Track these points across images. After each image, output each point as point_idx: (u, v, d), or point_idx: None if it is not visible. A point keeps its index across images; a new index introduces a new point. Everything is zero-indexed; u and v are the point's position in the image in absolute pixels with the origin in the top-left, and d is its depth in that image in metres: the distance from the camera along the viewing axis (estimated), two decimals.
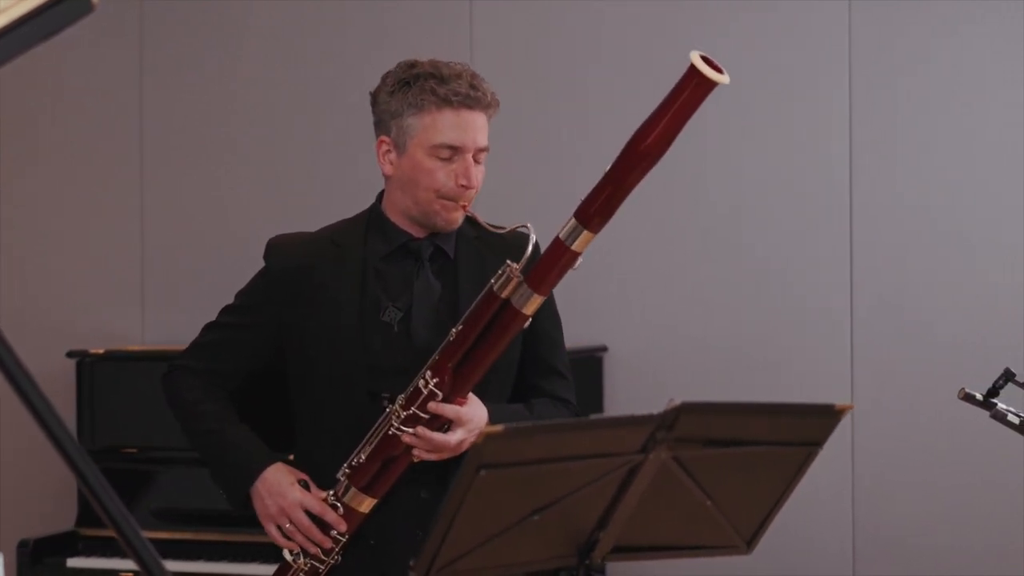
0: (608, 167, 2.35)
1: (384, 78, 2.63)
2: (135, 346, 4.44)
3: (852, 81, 4.02)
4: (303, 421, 2.67)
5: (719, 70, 2.26)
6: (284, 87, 4.44)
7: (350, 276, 2.60)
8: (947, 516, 3.94)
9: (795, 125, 4.06)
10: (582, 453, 1.89)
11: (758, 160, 4.09)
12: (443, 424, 2.50)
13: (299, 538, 2.55)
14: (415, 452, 2.49)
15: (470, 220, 2.61)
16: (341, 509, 2.54)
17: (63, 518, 4.12)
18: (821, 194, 4.04)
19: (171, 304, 4.43)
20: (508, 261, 2.45)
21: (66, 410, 4.24)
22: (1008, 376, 2.62)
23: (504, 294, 2.45)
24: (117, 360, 4.11)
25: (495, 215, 2.62)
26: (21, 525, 4.28)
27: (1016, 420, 2.54)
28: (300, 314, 2.60)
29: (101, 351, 4.14)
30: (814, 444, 2.03)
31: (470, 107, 2.57)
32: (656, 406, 4.12)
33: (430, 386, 2.47)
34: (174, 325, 4.38)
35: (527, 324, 2.48)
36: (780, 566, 4.00)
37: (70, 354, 4.13)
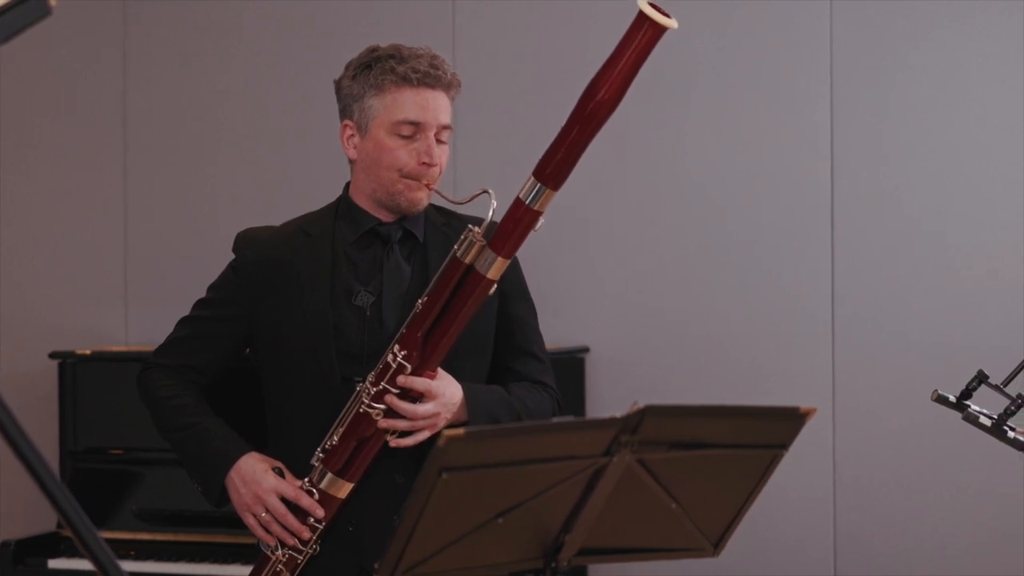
0: (564, 123, 2.34)
1: (347, 66, 2.65)
2: (119, 347, 4.44)
3: (833, 83, 4.03)
4: (277, 412, 2.66)
5: (667, 15, 2.27)
6: (267, 86, 4.44)
7: (321, 263, 2.60)
8: (927, 517, 3.95)
9: (776, 126, 4.06)
10: (546, 456, 1.88)
11: (740, 162, 4.09)
12: (415, 398, 2.49)
13: (276, 528, 2.54)
14: (390, 439, 2.49)
15: (437, 208, 2.62)
16: (317, 495, 2.53)
17: (45, 520, 4.12)
18: (803, 196, 4.04)
19: (155, 304, 4.43)
20: (470, 226, 2.46)
21: (49, 411, 4.24)
22: (981, 378, 2.61)
23: (468, 259, 2.45)
24: (100, 361, 4.11)
25: (481, 212, 2.58)
26: (2, 526, 4.28)
27: (988, 422, 2.54)
28: (271, 304, 2.61)
29: (86, 352, 4.14)
30: (779, 447, 2.03)
31: (430, 85, 2.57)
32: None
33: (398, 359, 2.46)
34: (158, 325, 4.35)
35: (493, 290, 2.48)
36: (762, 567, 4.01)
37: (53, 355, 4.13)
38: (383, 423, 2.48)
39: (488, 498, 1.90)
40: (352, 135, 2.62)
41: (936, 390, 2.62)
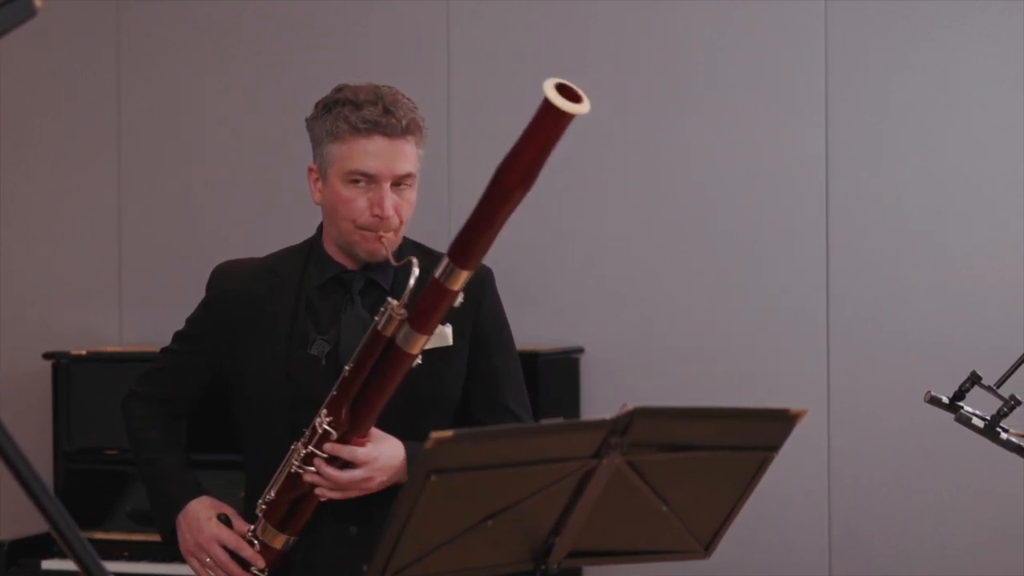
0: (475, 204, 2.25)
1: (316, 104, 2.57)
2: (112, 347, 4.43)
3: (828, 82, 4.02)
4: (245, 448, 2.65)
5: (578, 99, 2.15)
6: (262, 88, 4.43)
7: (284, 307, 2.56)
8: (923, 517, 3.94)
9: (771, 125, 4.06)
10: (535, 458, 1.88)
11: (735, 162, 4.08)
12: (345, 462, 2.43)
13: (219, 574, 2.53)
14: (318, 491, 2.44)
15: (416, 245, 2.55)
16: (258, 545, 2.50)
17: (38, 520, 4.08)
18: (798, 197, 4.04)
19: (148, 305, 4.43)
20: (389, 299, 2.35)
21: (43, 412, 4.23)
22: (974, 379, 2.61)
23: (388, 333, 2.35)
24: (94, 361, 4.10)
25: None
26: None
27: (980, 424, 2.54)
28: (239, 344, 2.57)
29: (82, 352, 4.13)
30: (770, 448, 2.02)
31: (384, 134, 2.47)
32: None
33: (324, 425, 2.41)
34: (151, 326, 4.37)
35: (417, 363, 2.38)
36: (756, 567, 4.00)
37: (47, 355, 4.12)
38: (309, 478, 2.43)
39: (477, 500, 1.89)
40: (317, 179, 2.55)
41: (929, 391, 2.62)
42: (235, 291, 2.59)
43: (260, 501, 2.49)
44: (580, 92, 2.15)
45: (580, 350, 4.15)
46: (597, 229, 4.17)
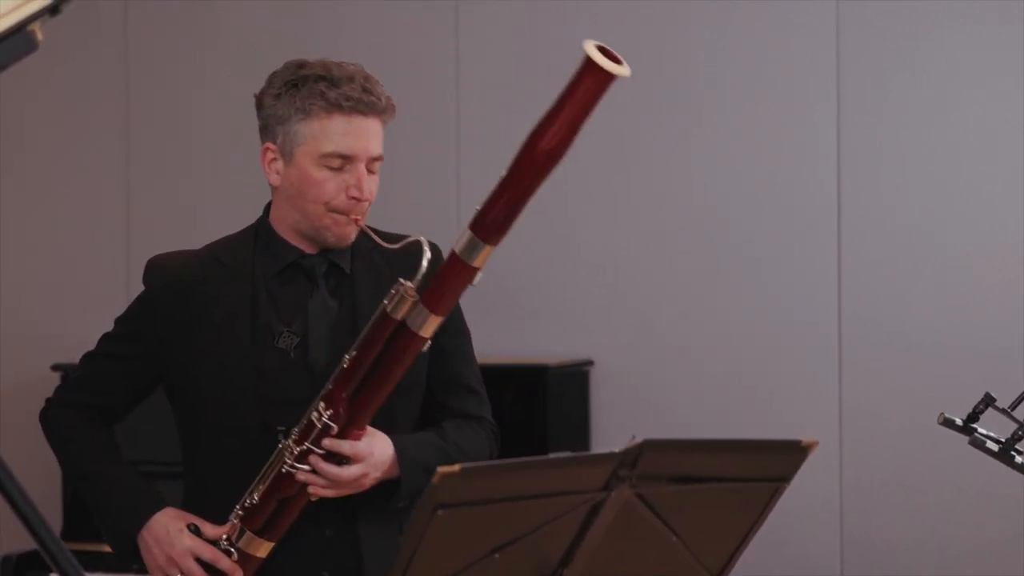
0: (504, 172, 2.15)
1: (270, 79, 2.43)
2: None
3: (840, 90, 3.99)
4: (192, 459, 2.46)
5: (618, 61, 2.06)
6: None
7: (239, 298, 2.39)
8: (934, 520, 3.91)
9: (782, 134, 4.03)
10: (543, 492, 1.86)
11: (745, 171, 4.06)
12: (340, 459, 2.30)
13: None
14: (311, 489, 2.30)
15: (369, 229, 2.40)
16: (236, 555, 2.34)
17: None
18: (808, 206, 4.01)
19: None
20: (401, 280, 2.24)
21: None
22: (988, 401, 2.58)
23: (399, 315, 2.24)
24: None
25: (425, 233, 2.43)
26: (4, 540, 4.25)
27: (995, 447, 2.51)
28: (185, 341, 2.40)
29: None
30: (781, 480, 2.00)
31: (363, 112, 2.35)
32: (643, 420, 4.12)
33: (324, 419, 2.27)
34: None
35: (427, 346, 2.28)
36: (768, 570, 3.97)
37: (55, 367, 4.11)
38: (303, 477, 2.30)
39: (484, 534, 1.87)
40: (275, 159, 2.39)
41: (942, 413, 2.59)
42: (178, 284, 2.42)
43: (237, 507, 2.33)
44: (619, 56, 2.07)
45: (589, 363, 4.12)
46: (605, 240, 4.14)
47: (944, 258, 3.93)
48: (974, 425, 2.59)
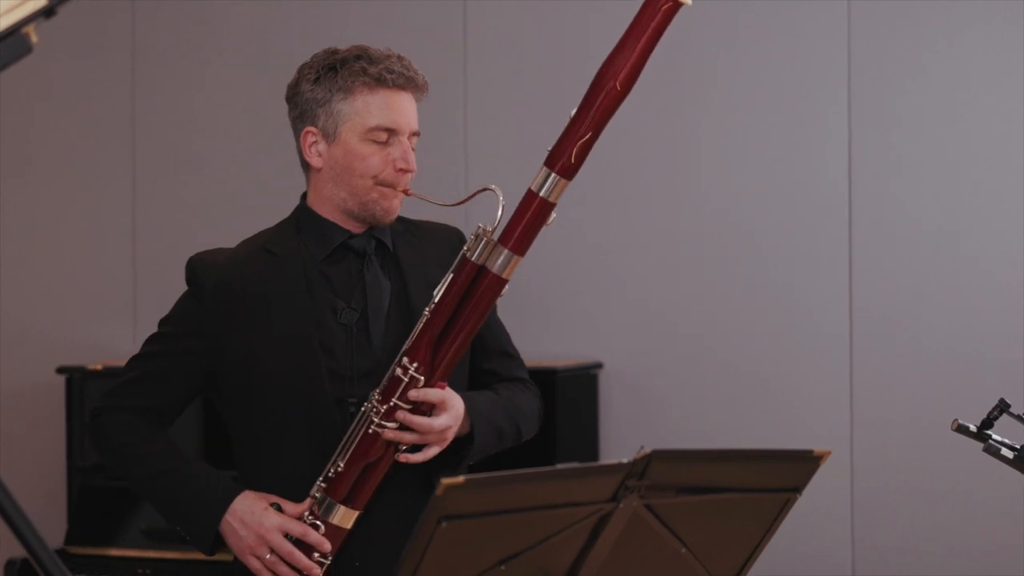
0: (576, 107, 2.25)
1: (302, 69, 2.51)
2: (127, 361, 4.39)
3: (851, 94, 3.96)
4: (255, 447, 2.48)
5: None
6: (278, 94, 4.37)
7: (294, 283, 2.44)
8: (947, 526, 3.88)
9: (793, 138, 4.00)
10: (549, 503, 1.82)
11: (756, 175, 4.02)
12: (426, 412, 2.36)
13: (283, 569, 2.37)
14: (399, 455, 2.36)
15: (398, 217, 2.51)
16: (323, 528, 2.37)
17: (51, 537, 4.07)
18: (821, 210, 3.98)
19: None
20: (479, 224, 2.33)
21: (56, 427, 4.20)
22: (1003, 407, 2.54)
23: (480, 260, 2.33)
24: (108, 376, 4.06)
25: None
26: (9, 544, 4.22)
27: (1010, 455, 2.47)
28: (242, 332, 2.43)
29: (97, 367, 4.09)
30: (792, 490, 1.96)
31: (403, 87, 2.44)
32: (652, 423, 4.09)
33: (411, 372, 2.32)
34: None
35: (505, 290, 2.36)
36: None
37: (60, 369, 4.09)
38: (389, 435, 2.34)
39: (490, 545, 1.84)
40: (316, 142, 2.47)
41: (956, 420, 2.55)
42: (229, 277, 2.45)
43: (319, 480, 2.37)
44: None
45: (599, 365, 4.09)
46: (614, 243, 4.11)
47: (956, 263, 3.89)
48: (988, 432, 2.55)
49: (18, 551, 3.99)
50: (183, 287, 4.32)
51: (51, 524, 4.17)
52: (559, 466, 1.81)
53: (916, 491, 3.90)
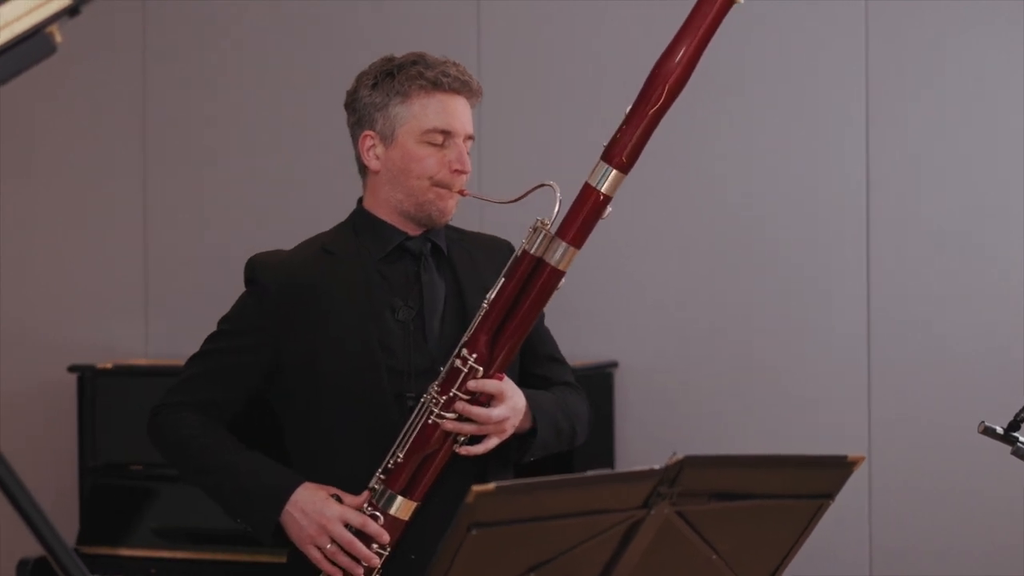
0: (632, 103, 2.32)
1: (360, 77, 2.58)
2: (138, 360, 4.38)
3: (869, 93, 3.93)
4: (312, 442, 2.53)
5: None
6: (290, 93, 4.36)
7: (353, 279, 2.51)
8: (965, 528, 3.86)
9: (811, 139, 3.98)
10: (580, 510, 1.80)
11: (773, 175, 4.00)
12: (486, 403, 2.41)
13: (342, 559, 2.41)
14: (458, 448, 2.41)
15: (449, 226, 2.59)
16: (381, 519, 2.42)
17: (64, 537, 4.05)
18: (838, 210, 3.96)
19: (174, 318, 4.37)
20: (538, 218, 2.39)
21: (68, 426, 4.18)
22: None
23: (537, 252, 2.39)
24: (120, 375, 4.04)
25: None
26: (21, 544, 4.21)
27: None
28: (302, 329, 2.49)
29: (108, 366, 4.07)
30: (826, 496, 1.94)
31: (458, 91, 2.51)
32: (667, 423, 4.06)
33: (470, 362, 2.38)
34: (177, 339, 4.31)
35: (562, 282, 2.42)
36: None
37: (72, 368, 4.06)
38: (448, 425, 2.39)
39: (519, 552, 1.82)
40: (373, 145, 2.54)
41: (983, 422, 2.53)
42: (287, 277, 2.52)
43: (379, 472, 2.41)
44: None
45: (614, 364, 4.07)
46: (629, 241, 4.08)
47: (975, 262, 3.86)
48: (1016, 434, 2.52)
49: (30, 551, 3.96)
50: (194, 287, 4.34)
51: (63, 523, 4.15)
52: (590, 473, 1.79)
53: (934, 492, 3.88)
